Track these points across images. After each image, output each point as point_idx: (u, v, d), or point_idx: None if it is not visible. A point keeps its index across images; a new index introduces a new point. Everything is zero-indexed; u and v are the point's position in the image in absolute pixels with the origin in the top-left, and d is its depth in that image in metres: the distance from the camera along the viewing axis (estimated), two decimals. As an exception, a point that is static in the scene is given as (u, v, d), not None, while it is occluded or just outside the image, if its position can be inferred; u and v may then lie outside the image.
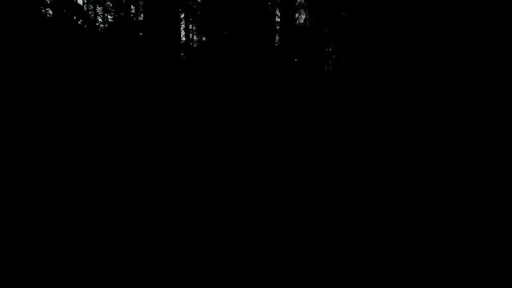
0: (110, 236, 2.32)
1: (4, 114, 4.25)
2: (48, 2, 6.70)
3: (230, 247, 2.20)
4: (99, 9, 11.46)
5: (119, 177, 3.44)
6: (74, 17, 7.28)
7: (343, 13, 6.20)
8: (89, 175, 3.46)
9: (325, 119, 5.15)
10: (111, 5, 10.96)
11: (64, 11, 6.76)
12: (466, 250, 2.15)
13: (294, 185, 3.30)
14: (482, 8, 4.22)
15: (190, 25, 16.25)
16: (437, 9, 4.47)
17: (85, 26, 7.18)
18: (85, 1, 11.33)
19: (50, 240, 2.24)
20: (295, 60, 7.41)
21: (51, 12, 6.99)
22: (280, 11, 9.66)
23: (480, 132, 4.24)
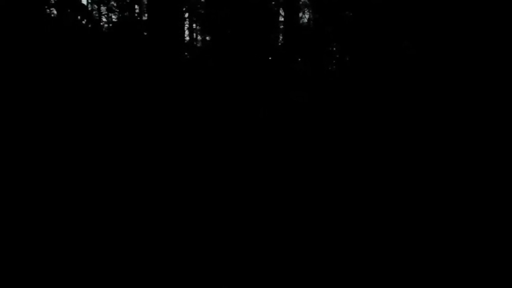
0: (109, 235, 2.35)
1: (7, 114, 4.30)
2: (53, 2, 6.76)
3: (230, 247, 2.21)
4: (103, 8, 11.54)
5: (120, 176, 3.47)
6: (79, 17, 7.33)
7: (347, 12, 6.19)
8: (92, 173, 3.49)
9: (327, 119, 5.14)
10: (115, 4, 11.03)
11: (69, 11, 6.81)
12: (466, 250, 2.14)
13: (294, 185, 3.31)
14: (485, 7, 4.19)
15: (194, 25, 16.30)
16: (440, 8, 4.44)
17: (89, 26, 7.24)
18: (89, 1, 11.41)
19: (49, 240, 2.26)
20: (299, 59, 7.41)
21: (55, 12, 7.04)
22: (283, 11, 9.66)
23: (484, 135, 4.21)
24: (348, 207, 2.80)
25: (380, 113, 4.94)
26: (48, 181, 3.21)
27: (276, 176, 3.52)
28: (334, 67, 7.58)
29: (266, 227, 2.46)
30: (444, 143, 4.23)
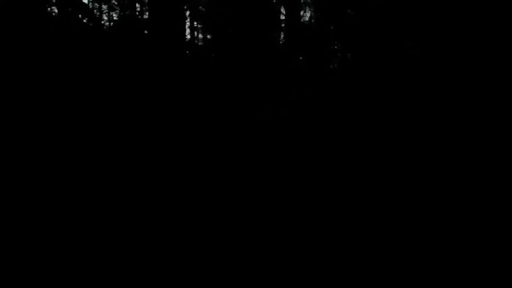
0: (110, 236, 2.34)
1: (8, 114, 4.30)
2: (54, 1, 6.74)
3: (231, 246, 2.21)
4: (104, 7, 11.51)
5: (123, 175, 3.46)
6: (80, 16, 7.32)
7: (348, 11, 6.16)
8: (93, 174, 3.49)
9: (328, 117, 5.12)
10: (116, 3, 11.00)
11: (70, 9, 6.80)
12: (466, 251, 2.13)
13: (294, 183, 3.30)
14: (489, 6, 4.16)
15: (195, 23, 16.25)
16: (442, 7, 4.41)
17: (91, 24, 7.22)
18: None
19: (50, 240, 2.26)
20: (300, 58, 7.39)
21: (56, 11, 7.03)
22: (285, 9, 9.62)
23: (488, 138, 4.19)
24: (348, 200, 2.79)
25: (382, 111, 4.93)
26: (51, 179, 3.21)
27: (276, 172, 3.51)
28: (335, 65, 7.56)
29: (267, 225, 2.45)
30: (445, 139, 4.21)
